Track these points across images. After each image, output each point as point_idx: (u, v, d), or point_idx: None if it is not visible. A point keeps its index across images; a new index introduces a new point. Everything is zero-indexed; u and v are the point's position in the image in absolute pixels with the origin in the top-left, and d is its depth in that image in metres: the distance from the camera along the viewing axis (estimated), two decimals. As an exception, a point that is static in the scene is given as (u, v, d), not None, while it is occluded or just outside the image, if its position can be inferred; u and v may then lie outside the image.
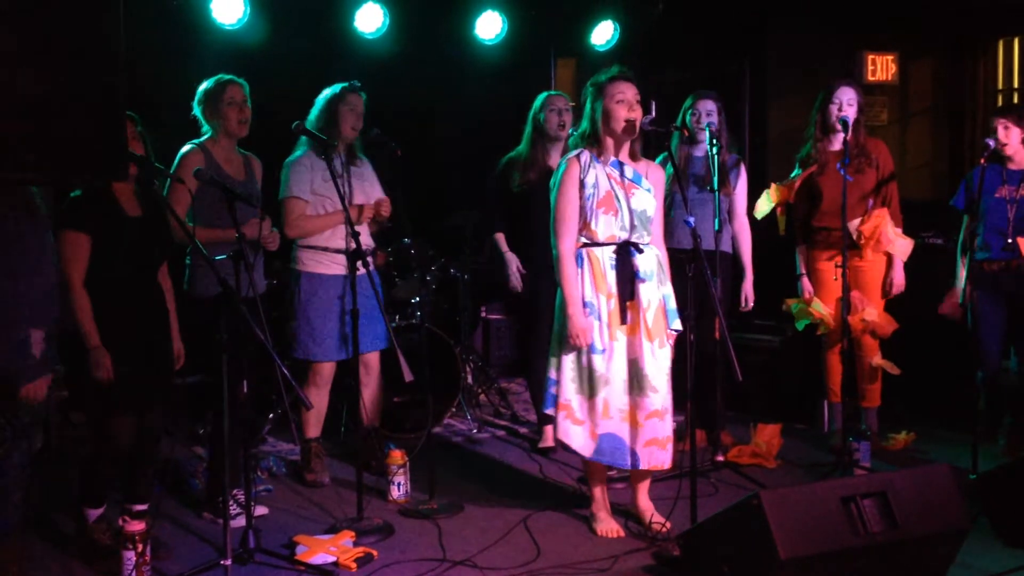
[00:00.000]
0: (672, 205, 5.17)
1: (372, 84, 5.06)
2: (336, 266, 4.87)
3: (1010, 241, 5.03)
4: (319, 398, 5.01)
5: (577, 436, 4.18)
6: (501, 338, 7.54)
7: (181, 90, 4.67)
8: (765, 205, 5.48)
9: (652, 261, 4.19)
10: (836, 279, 5.14)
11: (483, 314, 7.46)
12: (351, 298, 4.65)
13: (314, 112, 4.92)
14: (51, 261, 3.55)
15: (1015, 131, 5.04)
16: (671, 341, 4.21)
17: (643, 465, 4.16)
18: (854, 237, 5.17)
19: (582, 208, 4.14)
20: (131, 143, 3.93)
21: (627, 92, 4.11)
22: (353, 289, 4.40)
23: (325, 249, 4.86)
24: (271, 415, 5.89)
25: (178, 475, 4.92)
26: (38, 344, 3.45)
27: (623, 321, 4.12)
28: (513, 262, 5.54)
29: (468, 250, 6.71)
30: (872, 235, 5.21)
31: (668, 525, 4.20)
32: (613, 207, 4.12)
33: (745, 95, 7.48)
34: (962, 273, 5.20)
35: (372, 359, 5.09)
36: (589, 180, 4.13)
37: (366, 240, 4.97)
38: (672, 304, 4.19)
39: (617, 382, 4.12)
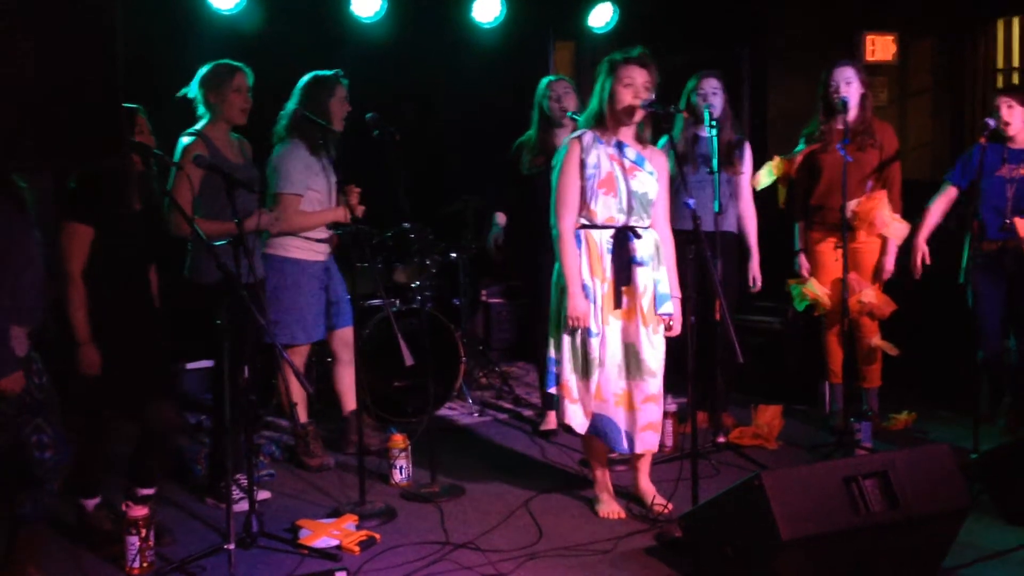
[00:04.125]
0: (678, 187, 5.16)
1: (370, 69, 5.05)
2: (317, 254, 4.95)
3: (1008, 222, 5.02)
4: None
5: (575, 414, 4.20)
6: (502, 322, 7.54)
7: (177, 76, 4.65)
8: (766, 177, 5.47)
9: (650, 246, 4.17)
10: (836, 260, 5.15)
11: (484, 298, 7.46)
12: (331, 285, 4.84)
13: (299, 100, 4.85)
14: (38, 256, 3.52)
15: (1018, 110, 5.01)
16: (662, 325, 4.20)
17: (638, 449, 4.18)
18: (849, 217, 5.16)
19: (583, 188, 4.12)
20: (141, 137, 3.95)
21: (637, 78, 4.06)
22: (356, 276, 4.47)
23: (306, 238, 4.90)
24: (273, 400, 5.89)
25: (180, 461, 4.93)
26: (20, 339, 3.44)
27: (617, 305, 4.11)
28: (498, 236, 5.65)
29: (468, 234, 6.71)
30: (866, 217, 5.20)
31: (670, 507, 4.21)
32: (613, 188, 4.10)
33: (745, 77, 7.47)
34: (926, 225, 5.25)
35: (349, 335, 5.13)
36: (591, 160, 4.11)
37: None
38: (663, 288, 4.16)
39: (611, 366, 4.12)
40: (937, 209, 5.30)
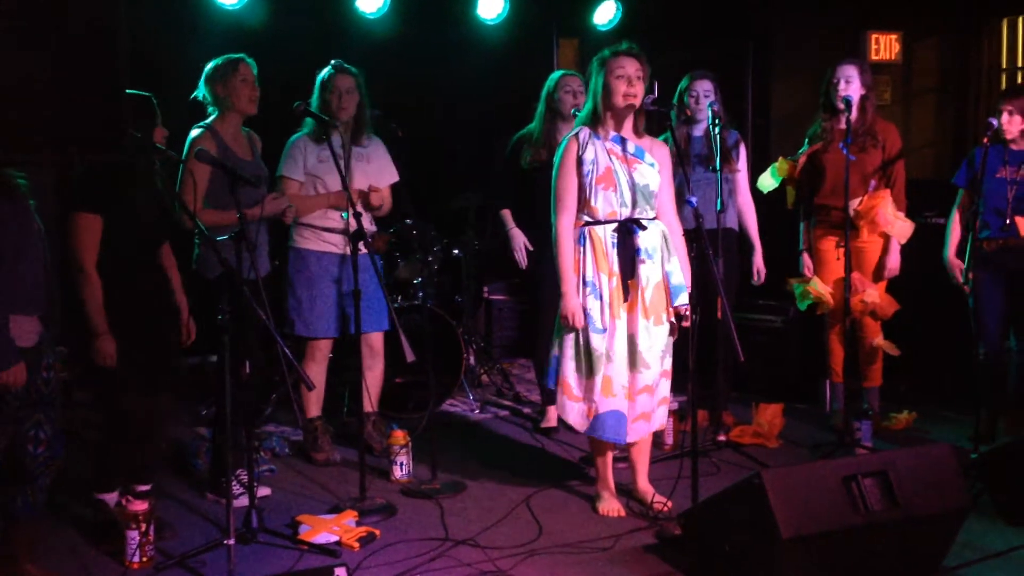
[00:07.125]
0: (680, 186, 5.16)
1: (374, 65, 5.06)
2: (326, 244, 4.89)
3: (1008, 222, 5.02)
4: (317, 374, 5.01)
5: (573, 412, 4.21)
6: (504, 318, 7.54)
7: (182, 71, 4.66)
8: (770, 180, 5.48)
9: (656, 237, 4.17)
10: (838, 259, 5.15)
11: (486, 294, 7.46)
12: (348, 278, 4.59)
13: (313, 96, 4.92)
14: (37, 246, 3.50)
15: (1017, 119, 5.02)
16: (672, 318, 4.19)
17: (629, 438, 4.20)
18: (852, 216, 5.15)
19: (581, 185, 4.13)
20: (155, 131, 3.96)
21: (628, 67, 4.08)
22: (355, 269, 4.39)
23: (312, 227, 4.88)
24: (273, 395, 5.90)
25: (181, 455, 4.94)
26: (26, 330, 3.43)
27: (625, 299, 4.11)
28: (519, 238, 5.53)
29: (471, 230, 6.71)
30: (869, 215, 5.20)
31: (669, 504, 4.22)
32: (612, 183, 4.10)
33: (749, 74, 7.45)
34: (952, 240, 5.23)
35: (375, 340, 5.09)
36: (588, 156, 4.12)
37: (366, 223, 4.97)
38: (676, 280, 4.16)
39: (619, 360, 4.12)
40: (958, 220, 5.28)
